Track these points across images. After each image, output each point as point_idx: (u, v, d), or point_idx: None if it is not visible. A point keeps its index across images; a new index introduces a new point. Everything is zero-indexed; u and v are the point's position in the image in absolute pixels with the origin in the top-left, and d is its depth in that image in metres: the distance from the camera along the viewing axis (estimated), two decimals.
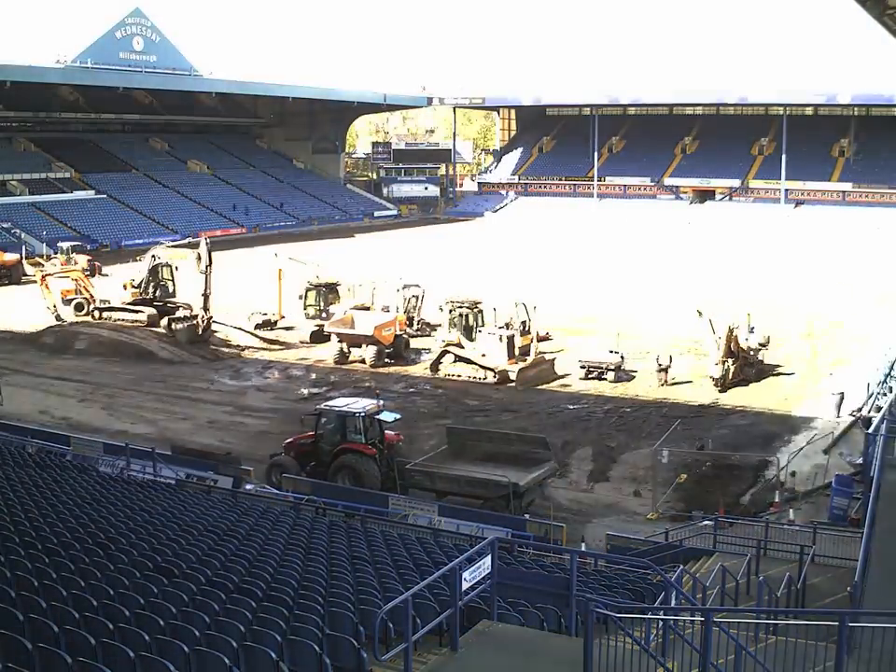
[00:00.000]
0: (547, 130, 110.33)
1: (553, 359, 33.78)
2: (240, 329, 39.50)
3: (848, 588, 10.82)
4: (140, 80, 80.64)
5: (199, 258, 37.08)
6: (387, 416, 22.54)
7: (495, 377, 32.05)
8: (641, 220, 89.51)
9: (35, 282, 43.53)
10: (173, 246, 45.82)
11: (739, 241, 74.71)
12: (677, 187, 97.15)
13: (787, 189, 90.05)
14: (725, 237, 77.05)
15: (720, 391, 30.81)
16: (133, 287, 41.49)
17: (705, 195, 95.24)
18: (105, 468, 21.79)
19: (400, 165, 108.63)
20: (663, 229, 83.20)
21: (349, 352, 35.14)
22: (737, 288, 50.56)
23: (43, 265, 53.08)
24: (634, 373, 32.89)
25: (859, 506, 18.91)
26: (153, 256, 41.57)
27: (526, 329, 33.36)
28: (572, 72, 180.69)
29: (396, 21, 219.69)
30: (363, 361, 34.63)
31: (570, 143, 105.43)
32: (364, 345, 34.62)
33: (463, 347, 33.19)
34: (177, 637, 8.45)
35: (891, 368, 28.62)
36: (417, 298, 39.46)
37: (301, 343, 38.35)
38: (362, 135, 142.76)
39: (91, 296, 42.62)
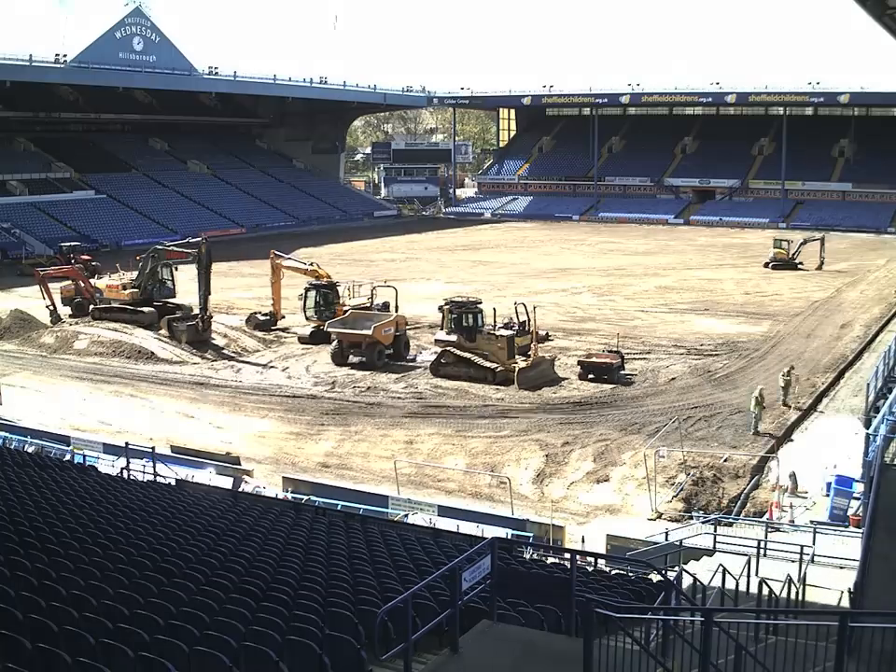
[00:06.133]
0: (547, 130, 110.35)
1: (554, 359, 33.71)
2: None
3: (848, 588, 10.81)
4: (140, 80, 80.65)
5: (199, 258, 37.02)
6: None
7: (494, 377, 31.99)
8: (641, 220, 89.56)
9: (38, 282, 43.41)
10: (172, 246, 45.71)
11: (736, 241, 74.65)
12: (677, 187, 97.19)
13: (787, 189, 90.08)
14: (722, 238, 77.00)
15: None
16: (133, 286, 41.40)
17: (704, 195, 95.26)
18: (105, 468, 21.81)
19: (400, 165, 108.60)
20: (662, 228, 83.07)
21: (348, 351, 35.12)
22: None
23: (45, 265, 53.00)
24: (633, 375, 32.79)
25: (859, 506, 18.91)
26: (153, 256, 41.49)
27: (526, 329, 33.30)
28: (572, 72, 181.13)
29: (395, 20, 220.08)
30: (363, 361, 34.59)
31: (570, 143, 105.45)
32: (364, 345, 34.59)
33: (464, 348, 33.10)
34: (177, 636, 8.44)
35: (891, 369, 28.54)
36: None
37: (301, 341, 38.31)
38: (362, 136, 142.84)
39: (91, 296, 42.57)
